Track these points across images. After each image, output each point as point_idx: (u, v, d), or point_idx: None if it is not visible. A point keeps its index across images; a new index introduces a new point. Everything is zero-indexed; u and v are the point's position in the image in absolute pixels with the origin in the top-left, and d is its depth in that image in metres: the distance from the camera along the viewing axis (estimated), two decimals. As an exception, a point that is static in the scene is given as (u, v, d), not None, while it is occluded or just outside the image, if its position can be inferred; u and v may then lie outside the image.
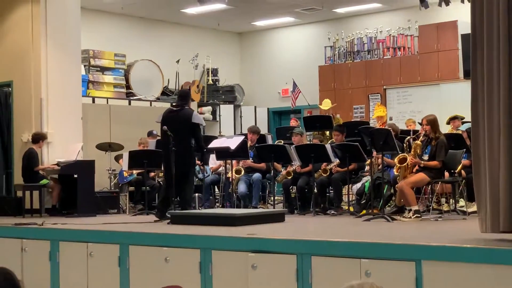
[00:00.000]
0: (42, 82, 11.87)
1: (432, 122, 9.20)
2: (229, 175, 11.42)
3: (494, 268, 5.57)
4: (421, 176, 9.03)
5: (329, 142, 11.38)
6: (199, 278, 7.18)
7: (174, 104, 10.38)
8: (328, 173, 10.63)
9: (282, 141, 12.85)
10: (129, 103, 15.92)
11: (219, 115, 18.49)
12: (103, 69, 15.92)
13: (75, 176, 11.29)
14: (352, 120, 15.67)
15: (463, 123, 11.68)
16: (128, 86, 16.30)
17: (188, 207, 9.92)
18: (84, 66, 15.17)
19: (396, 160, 9.28)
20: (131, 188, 12.44)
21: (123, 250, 7.92)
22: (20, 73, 12.09)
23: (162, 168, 10.47)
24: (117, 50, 16.43)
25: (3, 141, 12.82)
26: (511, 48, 6.17)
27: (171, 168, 9.50)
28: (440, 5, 14.87)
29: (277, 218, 9.17)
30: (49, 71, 11.93)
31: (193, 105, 17.23)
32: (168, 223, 9.14)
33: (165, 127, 9.63)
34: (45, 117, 11.88)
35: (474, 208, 8.60)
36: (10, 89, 12.42)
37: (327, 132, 12.34)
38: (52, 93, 11.94)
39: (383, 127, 10.62)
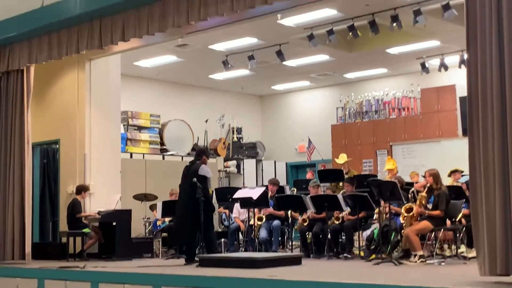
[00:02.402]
0: (86, 139, 11.96)
1: (435, 175, 9.15)
2: (252, 222, 11.38)
3: (493, 308, 5.46)
4: (425, 224, 8.94)
5: (341, 192, 11.32)
6: (224, 317, 7.09)
7: (191, 160, 10.44)
8: (340, 221, 10.55)
9: (295, 189, 12.90)
10: (163, 158, 16.00)
11: (243, 169, 18.51)
12: (140, 128, 16.06)
13: (114, 224, 11.27)
14: (362, 173, 15.60)
15: (462, 176, 11.59)
16: (162, 143, 16.40)
17: (214, 248, 9.86)
18: (123, 125, 15.32)
19: (403, 209, 9.21)
20: (164, 234, 12.41)
21: (156, 290, 7.86)
22: (67, 131, 12.21)
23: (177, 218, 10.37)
24: (153, 111, 16.58)
25: (51, 193, 12.91)
26: (503, 108, 6.16)
27: (187, 216, 9.59)
28: (439, 70, 15.03)
29: (295, 261, 9.08)
30: (92, 129, 12.04)
31: (220, 160, 17.35)
32: (197, 266, 9.08)
33: (194, 179, 9.67)
34: (88, 171, 11.93)
35: (473, 253, 8.46)
36: (57, 146, 12.53)
37: (340, 184, 12.29)
38: (94, 150, 12.02)
39: (390, 179, 10.55)
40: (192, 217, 9.62)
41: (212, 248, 9.82)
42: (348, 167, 13.32)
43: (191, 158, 16.14)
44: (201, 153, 10.21)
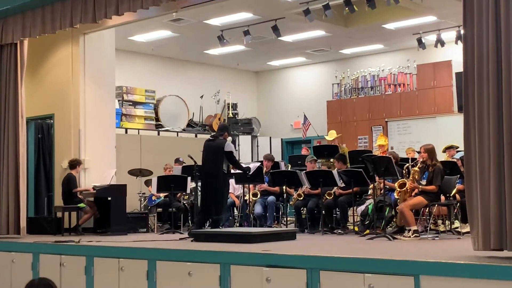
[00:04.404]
0: (81, 114, 11.94)
1: (429, 151, 9.17)
2: (247, 197, 11.43)
3: (485, 282, 5.50)
4: (420, 199, 8.98)
5: (335, 169, 11.35)
6: (219, 291, 7.14)
7: (212, 134, 10.57)
8: (333, 196, 10.59)
9: (290, 165, 12.97)
10: (158, 134, 16.00)
11: (238, 145, 18.51)
12: (135, 104, 16.03)
13: (109, 198, 11.29)
14: (357, 149, 15.62)
15: (457, 152, 11.62)
16: (157, 119, 16.39)
17: (216, 225, 9.94)
18: (118, 100, 15.27)
19: (396, 184, 9.25)
20: (159, 210, 12.45)
21: (151, 265, 7.90)
22: (61, 106, 12.19)
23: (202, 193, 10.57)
24: (148, 87, 16.54)
25: (45, 168, 12.90)
26: (499, 84, 6.16)
27: (211, 191, 9.91)
28: (436, 46, 14.99)
29: (289, 236, 9.14)
30: (87, 105, 12.02)
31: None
32: (191, 241, 9.13)
33: (189, 154, 9.81)
34: (82, 146, 11.93)
35: (467, 228, 8.51)
36: (52, 121, 12.52)
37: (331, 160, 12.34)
38: (89, 125, 12.01)
39: (385, 155, 10.58)
40: (216, 192, 9.88)
41: (215, 225, 9.95)
42: (338, 143, 13.38)
43: (186, 134, 16.47)
44: (223, 129, 10.37)
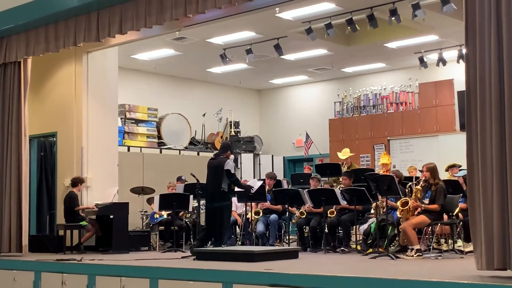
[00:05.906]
0: (83, 132, 11.95)
1: (432, 170, 9.16)
2: (249, 215, 11.40)
3: (489, 302, 5.47)
4: (422, 218, 8.95)
5: (338, 187, 11.34)
6: (221, 310, 7.10)
7: (215, 153, 10.64)
8: (334, 214, 10.57)
9: (290, 183, 12.95)
10: (160, 152, 16.01)
11: (240, 163, 18.52)
12: (137, 121, 16.06)
13: (111, 216, 11.27)
14: (359, 167, 15.60)
15: (460, 170, 11.60)
16: (159, 137, 16.41)
17: (218, 244, 9.91)
18: (121, 118, 15.30)
19: (399, 203, 9.23)
20: (161, 228, 12.40)
21: (153, 283, 7.85)
22: (64, 124, 12.20)
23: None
24: (150, 105, 16.58)
25: (48, 186, 12.88)
26: (501, 103, 6.16)
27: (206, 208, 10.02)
28: (438, 65, 15.03)
29: (292, 255, 9.10)
30: (90, 123, 12.03)
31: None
32: (194, 259, 9.10)
33: (191, 172, 9.83)
34: (85, 164, 11.92)
35: (470, 248, 8.48)
36: (54, 139, 12.52)
37: (341, 178, 12.30)
38: (91, 143, 12.02)
39: (387, 174, 10.56)
40: (217, 210, 9.95)
41: (217, 243, 9.93)
42: (351, 162, 13.31)
43: (189, 152, 16.49)
44: (226, 148, 10.40)
